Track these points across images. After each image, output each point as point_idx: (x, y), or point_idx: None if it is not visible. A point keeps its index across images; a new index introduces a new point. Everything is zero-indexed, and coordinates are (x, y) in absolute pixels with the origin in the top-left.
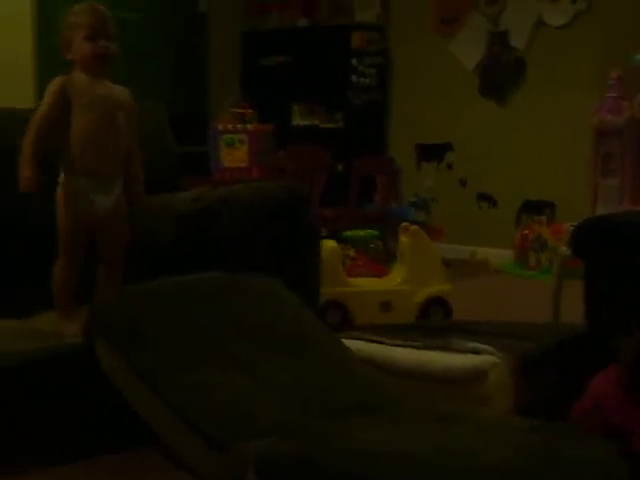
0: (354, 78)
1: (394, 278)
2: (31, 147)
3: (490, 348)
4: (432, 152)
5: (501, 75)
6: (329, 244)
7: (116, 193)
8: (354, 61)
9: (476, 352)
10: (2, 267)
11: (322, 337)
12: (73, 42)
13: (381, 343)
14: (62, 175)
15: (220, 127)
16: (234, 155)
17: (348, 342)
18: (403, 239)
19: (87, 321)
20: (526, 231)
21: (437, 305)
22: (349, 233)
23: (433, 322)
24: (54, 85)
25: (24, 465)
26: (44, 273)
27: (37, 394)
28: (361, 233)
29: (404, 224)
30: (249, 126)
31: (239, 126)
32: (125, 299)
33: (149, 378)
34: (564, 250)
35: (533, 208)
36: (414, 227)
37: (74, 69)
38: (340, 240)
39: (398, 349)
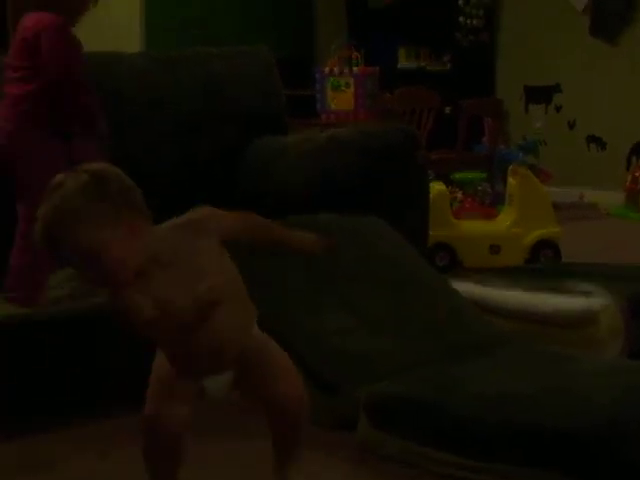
0: (461, 19)
1: (503, 221)
2: None
3: (601, 290)
4: (540, 94)
5: (612, 14)
6: (437, 187)
7: None
8: (461, 2)
9: (586, 294)
10: None
11: (427, 277)
12: None
13: (490, 285)
14: None
15: (326, 70)
16: (340, 98)
17: (456, 284)
18: (512, 181)
19: None
20: (637, 173)
21: (547, 248)
22: (457, 175)
23: (543, 265)
24: None
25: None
26: None
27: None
28: (469, 175)
29: (513, 166)
30: (355, 69)
31: (345, 69)
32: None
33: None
34: None
35: None
36: (523, 169)
37: None
38: (448, 183)
39: (507, 291)
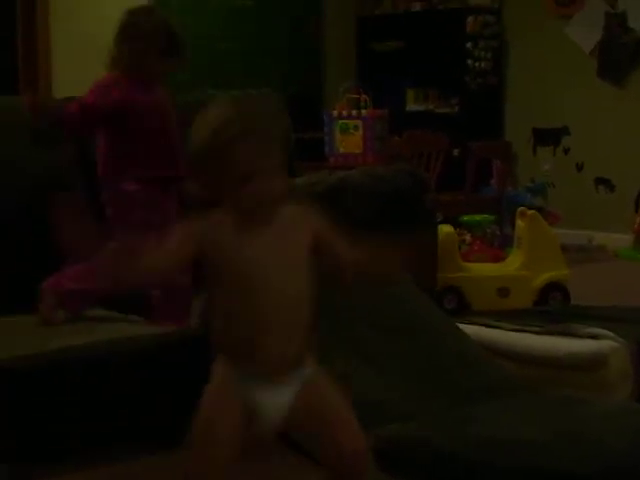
0: (470, 62)
1: (511, 263)
2: None
3: (610, 333)
4: (548, 136)
5: (619, 57)
6: (445, 229)
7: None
8: (469, 45)
9: (595, 337)
10: None
11: (436, 320)
12: None
13: (499, 328)
14: None
15: (335, 113)
16: (349, 141)
17: (465, 327)
18: (520, 224)
19: None
20: None
21: (555, 290)
22: (465, 218)
23: (552, 307)
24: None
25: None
26: None
27: None
28: (477, 218)
29: (522, 209)
30: (364, 112)
31: (354, 112)
32: None
33: None
34: None
35: None
36: (532, 212)
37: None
38: (456, 225)
39: (516, 334)
